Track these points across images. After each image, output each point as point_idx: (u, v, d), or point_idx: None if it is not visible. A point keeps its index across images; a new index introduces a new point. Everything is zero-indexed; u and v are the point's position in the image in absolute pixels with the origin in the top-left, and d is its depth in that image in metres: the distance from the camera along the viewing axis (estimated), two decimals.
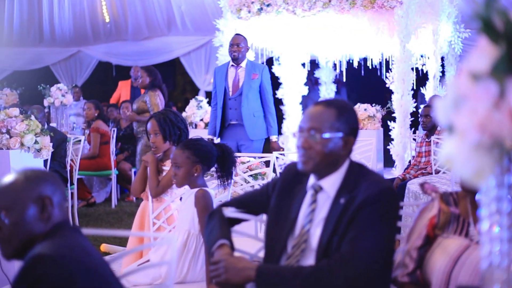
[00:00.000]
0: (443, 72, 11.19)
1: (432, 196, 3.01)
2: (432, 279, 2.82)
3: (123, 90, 13.30)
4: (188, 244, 4.14)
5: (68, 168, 8.57)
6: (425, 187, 3.07)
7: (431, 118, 7.97)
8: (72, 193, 8.71)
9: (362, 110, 9.90)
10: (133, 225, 5.14)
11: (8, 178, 2.46)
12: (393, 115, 9.96)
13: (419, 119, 8.56)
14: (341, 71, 12.98)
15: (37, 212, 2.43)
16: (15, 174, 2.47)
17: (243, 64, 8.18)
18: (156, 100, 9.43)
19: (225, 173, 4.45)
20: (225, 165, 4.43)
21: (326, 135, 2.79)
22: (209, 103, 10.21)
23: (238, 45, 8.11)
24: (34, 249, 2.34)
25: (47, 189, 2.45)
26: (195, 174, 4.23)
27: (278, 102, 12.93)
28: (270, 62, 12.70)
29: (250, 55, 10.81)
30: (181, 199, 4.48)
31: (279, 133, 12.79)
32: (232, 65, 8.22)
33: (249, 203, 3.24)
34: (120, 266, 5.22)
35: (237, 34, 8.38)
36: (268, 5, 10.06)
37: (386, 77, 10.01)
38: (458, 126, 1.48)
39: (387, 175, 10.08)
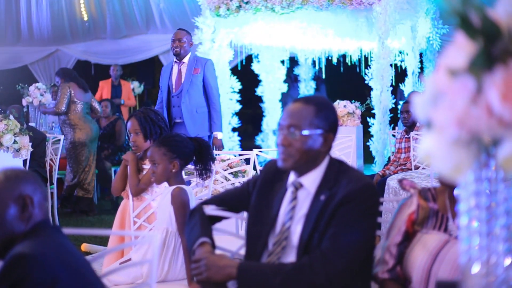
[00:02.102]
0: (421, 68, 11.24)
1: (411, 192, 3.02)
2: (412, 275, 2.83)
3: (104, 89, 13.28)
4: (167, 242, 4.14)
5: (48, 167, 8.52)
6: (404, 183, 3.08)
7: (411, 114, 8.00)
8: (51, 193, 8.66)
9: (342, 106, 9.92)
10: (113, 224, 5.12)
11: None
12: (372, 111, 10.00)
13: (399, 116, 8.60)
14: (320, 68, 13.04)
15: (18, 212, 2.42)
16: None
17: (186, 59, 7.86)
18: (64, 90, 9.52)
19: (203, 167, 4.45)
20: (202, 158, 4.43)
21: (306, 132, 2.80)
22: None
23: (180, 40, 7.79)
24: (15, 248, 2.33)
25: (27, 188, 2.44)
26: (173, 170, 4.22)
27: (258, 100, 12.97)
28: (249, 59, 12.72)
29: (228, 53, 10.83)
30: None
31: (260, 130, 12.83)
32: (176, 62, 7.91)
33: (229, 201, 3.24)
34: (101, 265, 5.21)
35: (179, 29, 8.07)
36: (246, 3, 10.07)
37: (365, 74, 10.06)
38: (436, 121, 1.49)
39: (367, 172, 10.13)
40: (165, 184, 4.38)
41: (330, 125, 2.87)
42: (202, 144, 4.44)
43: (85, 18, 15.08)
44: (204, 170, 4.46)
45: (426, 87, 1.54)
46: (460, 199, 1.55)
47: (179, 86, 7.79)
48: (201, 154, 4.42)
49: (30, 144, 6.27)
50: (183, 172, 4.45)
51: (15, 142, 6.05)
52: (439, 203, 2.93)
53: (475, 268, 1.52)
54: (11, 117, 6.23)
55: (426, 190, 3.00)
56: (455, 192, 2.76)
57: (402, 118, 8.30)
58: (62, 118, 9.59)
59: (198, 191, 5.30)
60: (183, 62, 7.84)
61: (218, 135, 7.80)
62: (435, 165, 1.51)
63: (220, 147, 7.77)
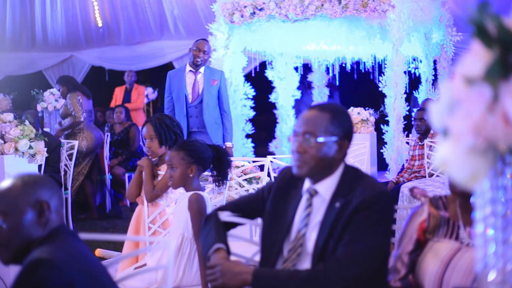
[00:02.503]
0: (435, 75, 11.21)
1: (422, 201, 3.02)
2: (425, 283, 2.83)
3: (118, 95, 13.31)
4: (182, 248, 4.15)
5: (62, 173, 8.56)
6: (414, 191, 3.08)
7: (425, 121, 7.99)
8: (66, 198, 8.69)
9: (356, 113, 9.91)
10: (128, 229, 5.13)
11: (6, 183, 2.47)
12: (386, 118, 9.97)
13: (413, 123, 8.57)
14: (334, 75, 13.00)
15: (35, 217, 2.44)
16: (13, 179, 2.47)
17: (202, 69, 7.81)
18: (75, 100, 9.46)
19: (221, 175, 4.46)
20: (220, 166, 4.44)
21: (321, 139, 2.81)
22: None
23: (204, 52, 7.73)
24: (32, 253, 2.34)
25: (44, 193, 2.46)
26: (191, 175, 4.23)
27: (271, 106, 12.96)
28: (263, 66, 12.71)
29: (242, 60, 10.83)
30: (176, 203, 4.49)
31: (273, 136, 12.82)
32: (191, 71, 7.81)
33: (244, 207, 3.25)
34: (115, 271, 5.22)
35: (203, 39, 7.97)
36: (260, 9, 10.06)
37: (379, 81, 10.02)
38: (452, 129, 1.50)
39: (381, 179, 10.10)
40: (180, 190, 4.39)
41: (345, 132, 2.88)
42: (220, 152, 4.45)
43: (100, 24, 15.12)
44: (221, 178, 4.47)
45: (442, 95, 1.54)
46: (476, 207, 1.55)
47: (197, 96, 7.74)
48: (219, 161, 4.43)
49: (45, 149, 6.30)
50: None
51: (30, 147, 6.08)
52: (450, 211, 2.93)
53: (491, 276, 1.52)
54: (27, 122, 6.26)
55: (437, 199, 3.00)
56: (471, 200, 2.76)
57: (416, 125, 8.28)
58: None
59: (212, 197, 5.30)
60: (199, 72, 7.78)
61: (230, 145, 7.86)
62: (451, 173, 1.52)
63: (231, 156, 7.68)
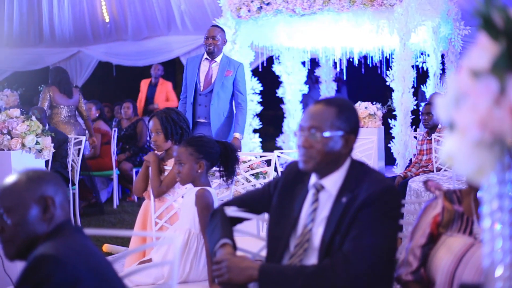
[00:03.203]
0: (443, 69, 11.18)
1: (436, 194, 3.00)
2: (436, 278, 2.81)
3: (143, 89, 13.23)
4: (189, 244, 4.14)
5: (70, 168, 8.57)
6: (429, 184, 3.06)
7: (433, 115, 7.98)
8: (73, 194, 8.71)
9: (363, 108, 9.89)
10: (135, 224, 5.14)
11: (10, 179, 2.46)
12: (393, 113, 9.95)
13: (420, 117, 8.56)
14: (341, 69, 12.99)
15: (40, 213, 2.43)
16: (17, 175, 2.47)
17: (218, 59, 7.64)
18: (44, 94, 9.66)
19: (228, 171, 4.45)
20: (228, 163, 4.43)
21: (327, 134, 2.79)
22: None
23: (214, 37, 7.55)
24: (37, 249, 2.34)
25: (49, 189, 2.46)
26: (199, 171, 4.23)
27: (279, 101, 12.96)
28: (270, 61, 12.70)
29: (249, 54, 10.82)
30: (183, 197, 4.49)
31: (280, 131, 12.81)
32: (206, 59, 7.66)
33: (251, 202, 3.24)
34: (122, 266, 5.23)
35: (213, 26, 7.86)
36: (267, 4, 10.06)
37: (386, 75, 10.00)
38: (459, 123, 1.48)
39: (388, 173, 10.08)
40: (187, 185, 4.39)
41: (352, 127, 2.86)
42: (228, 148, 4.43)
43: (107, 20, 15.13)
44: (228, 174, 4.46)
45: (449, 88, 1.53)
46: (483, 202, 1.54)
47: (209, 85, 7.60)
48: (227, 157, 4.42)
49: (52, 145, 6.30)
50: None
51: (37, 143, 6.08)
52: (464, 206, 2.91)
53: (498, 271, 1.51)
54: (34, 118, 6.26)
55: (451, 192, 2.97)
56: (479, 194, 2.75)
57: (424, 119, 8.26)
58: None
59: (219, 192, 5.30)
60: (215, 61, 7.63)
61: (239, 136, 7.58)
62: (457, 167, 1.50)
63: (238, 148, 7.49)
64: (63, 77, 9.86)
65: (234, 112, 7.70)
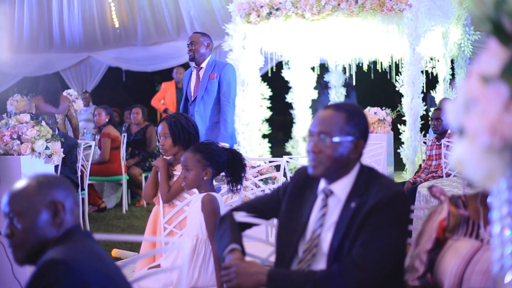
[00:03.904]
0: (453, 74, 11.17)
1: (441, 199, 3.00)
2: (444, 282, 2.80)
3: (167, 92, 13.08)
4: (197, 249, 4.14)
5: (79, 173, 8.59)
6: (433, 190, 3.06)
7: (442, 121, 7.97)
8: (83, 199, 8.72)
9: (372, 113, 9.87)
10: (146, 229, 5.14)
11: (21, 184, 2.47)
12: (403, 118, 9.94)
13: (430, 122, 8.55)
14: (350, 75, 12.99)
15: (50, 217, 2.44)
16: (27, 180, 2.47)
17: (204, 64, 7.29)
18: (30, 105, 9.81)
19: (235, 178, 4.45)
20: (235, 170, 4.42)
21: (336, 139, 2.79)
22: None
23: (192, 43, 7.22)
24: (47, 254, 2.34)
25: (59, 194, 2.46)
26: (205, 178, 4.23)
27: (288, 106, 12.96)
28: (279, 66, 12.71)
29: (259, 60, 10.82)
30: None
31: (290, 136, 12.81)
32: (194, 67, 7.36)
33: (260, 208, 3.24)
34: (132, 271, 5.23)
35: (194, 32, 7.50)
36: (277, 9, 10.07)
37: (396, 80, 9.99)
38: (468, 128, 1.48)
39: (398, 179, 10.07)
40: (196, 190, 4.39)
41: (361, 132, 2.86)
42: (236, 156, 4.43)
43: (117, 25, 15.18)
44: (235, 182, 4.45)
45: (459, 93, 1.53)
46: (493, 207, 1.53)
47: (196, 93, 7.31)
48: (234, 165, 4.41)
49: (62, 150, 6.31)
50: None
51: (47, 148, 6.09)
52: (470, 210, 2.90)
53: (508, 277, 1.50)
54: (43, 123, 6.27)
55: (457, 197, 2.97)
56: (488, 199, 2.74)
57: (433, 125, 8.25)
58: None
59: (228, 197, 5.30)
60: (201, 67, 7.32)
61: (226, 146, 7.20)
62: (467, 172, 1.50)
63: None
64: (51, 87, 9.89)
65: None
